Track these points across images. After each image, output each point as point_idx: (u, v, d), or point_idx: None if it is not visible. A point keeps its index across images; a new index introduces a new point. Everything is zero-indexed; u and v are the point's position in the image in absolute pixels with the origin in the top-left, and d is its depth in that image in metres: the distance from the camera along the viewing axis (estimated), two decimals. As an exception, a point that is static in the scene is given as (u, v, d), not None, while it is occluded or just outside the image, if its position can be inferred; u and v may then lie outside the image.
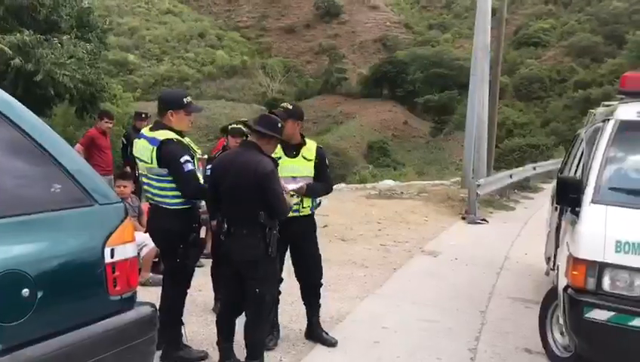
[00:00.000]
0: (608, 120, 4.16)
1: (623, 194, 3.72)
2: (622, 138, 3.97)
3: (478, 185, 11.85)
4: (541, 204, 12.17)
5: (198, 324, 4.74)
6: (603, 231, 3.53)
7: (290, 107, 4.28)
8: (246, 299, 3.75)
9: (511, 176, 15.18)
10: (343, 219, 10.14)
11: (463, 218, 11.25)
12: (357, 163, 39.00)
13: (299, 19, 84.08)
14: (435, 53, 63.01)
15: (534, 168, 18.02)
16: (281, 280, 4.26)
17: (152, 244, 5.29)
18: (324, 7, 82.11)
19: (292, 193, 4.08)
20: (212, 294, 5.14)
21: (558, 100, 54.36)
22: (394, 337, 4.72)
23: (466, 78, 17.19)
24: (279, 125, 3.75)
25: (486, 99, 14.91)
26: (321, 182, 4.33)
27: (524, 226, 10.70)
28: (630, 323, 3.39)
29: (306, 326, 4.60)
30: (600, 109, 5.29)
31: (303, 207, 4.30)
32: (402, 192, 14.08)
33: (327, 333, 4.55)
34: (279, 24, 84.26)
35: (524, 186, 17.01)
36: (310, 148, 4.30)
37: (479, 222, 10.96)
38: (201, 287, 5.48)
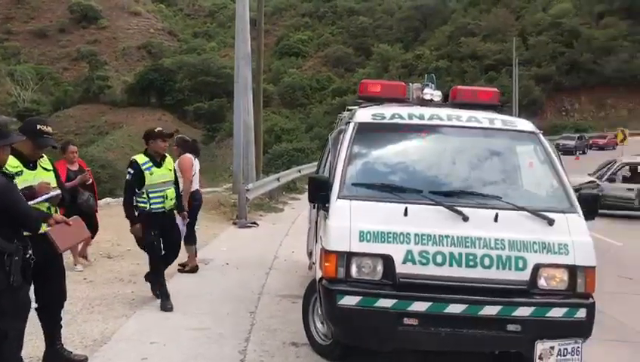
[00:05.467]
0: (349, 123, 4.60)
1: (364, 189, 4.12)
2: (360, 138, 4.41)
3: (248, 190, 12.18)
4: (307, 204, 12.95)
5: None
6: (348, 223, 3.88)
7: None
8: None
9: (278, 180, 15.92)
10: (109, 234, 9.52)
11: (234, 223, 11.44)
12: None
13: (52, 22, 77.61)
14: (201, 62, 63.27)
15: (299, 171, 19.13)
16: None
17: None
18: (80, 11, 77.02)
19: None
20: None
21: (319, 107, 58.52)
22: (163, 350, 4.59)
23: (233, 86, 17.50)
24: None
25: (251, 106, 15.40)
26: None
27: (291, 225, 11.27)
28: (375, 305, 3.77)
29: (44, 352, 4.17)
30: (344, 113, 5.82)
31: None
32: (174, 202, 13.81)
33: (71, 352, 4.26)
34: (28, 27, 76.81)
35: (292, 188, 18.02)
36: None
37: (250, 226, 11.25)
38: None
